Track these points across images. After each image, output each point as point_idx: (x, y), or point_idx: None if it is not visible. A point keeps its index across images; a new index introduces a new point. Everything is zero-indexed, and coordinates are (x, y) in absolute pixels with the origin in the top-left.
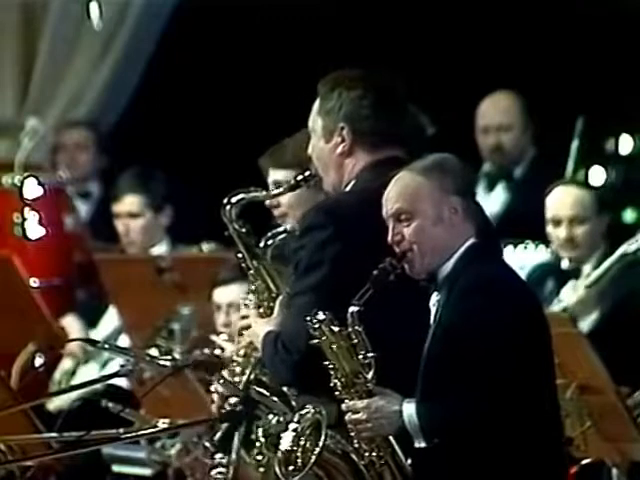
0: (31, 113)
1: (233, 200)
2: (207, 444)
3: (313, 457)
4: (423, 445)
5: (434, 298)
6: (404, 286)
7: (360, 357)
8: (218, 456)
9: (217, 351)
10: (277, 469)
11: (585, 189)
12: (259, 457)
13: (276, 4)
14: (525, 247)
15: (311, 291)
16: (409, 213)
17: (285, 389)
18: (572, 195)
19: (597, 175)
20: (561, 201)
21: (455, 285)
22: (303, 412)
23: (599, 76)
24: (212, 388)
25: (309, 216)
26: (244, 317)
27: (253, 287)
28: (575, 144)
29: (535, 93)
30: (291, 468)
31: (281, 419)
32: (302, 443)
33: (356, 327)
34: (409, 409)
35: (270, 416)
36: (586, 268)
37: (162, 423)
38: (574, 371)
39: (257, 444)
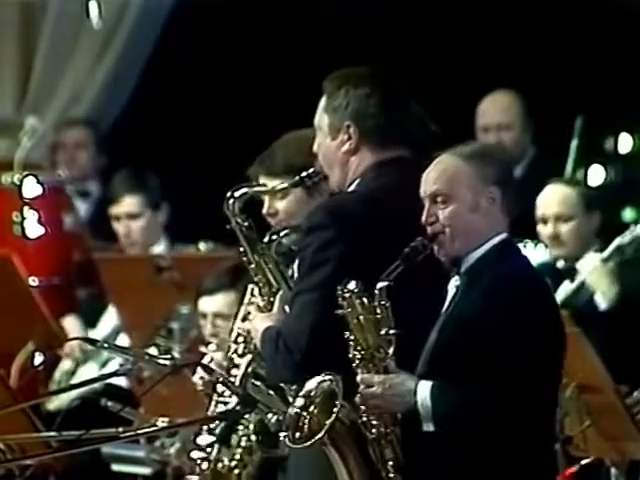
0: (30, 112)
1: (236, 194)
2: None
3: (326, 426)
4: (431, 429)
5: (453, 282)
6: (425, 269)
7: (383, 332)
8: (199, 452)
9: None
10: (285, 433)
11: (572, 187)
12: (237, 457)
13: (275, 4)
14: (524, 246)
15: (314, 290)
16: (446, 196)
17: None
18: (558, 193)
19: (596, 174)
20: (547, 199)
21: (481, 278)
22: (320, 380)
23: (599, 75)
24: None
25: (313, 216)
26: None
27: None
28: (574, 143)
29: (535, 92)
30: (298, 435)
31: (280, 418)
32: (311, 409)
33: (382, 302)
34: (423, 391)
35: (269, 415)
36: (579, 265)
37: (161, 422)
38: (574, 370)
39: (239, 444)
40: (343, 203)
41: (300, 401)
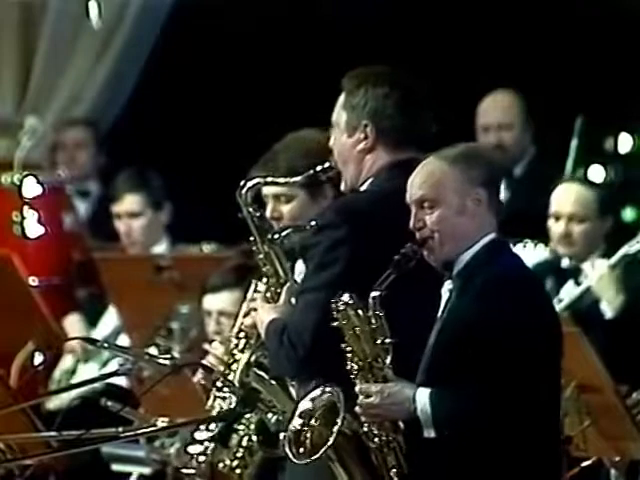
0: (30, 112)
1: (249, 184)
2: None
3: (330, 439)
4: (432, 435)
5: (447, 286)
6: (418, 275)
7: (379, 342)
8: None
9: (211, 359)
10: (287, 449)
11: (590, 189)
12: (238, 457)
13: (275, 4)
14: (524, 246)
15: (322, 289)
16: (433, 201)
17: None
18: (575, 193)
19: (596, 174)
20: (563, 197)
21: (473, 280)
22: (319, 392)
23: (598, 75)
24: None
25: (325, 215)
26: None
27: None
28: (574, 143)
29: (535, 92)
30: (301, 450)
31: (280, 418)
32: (312, 422)
33: (377, 312)
34: (423, 397)
35: (269, 415)
36: (585, 267)
37: (161, 422)
38: (573, 370)
39: (240, 444)
40: (355, 203)
41: (298, 421)
